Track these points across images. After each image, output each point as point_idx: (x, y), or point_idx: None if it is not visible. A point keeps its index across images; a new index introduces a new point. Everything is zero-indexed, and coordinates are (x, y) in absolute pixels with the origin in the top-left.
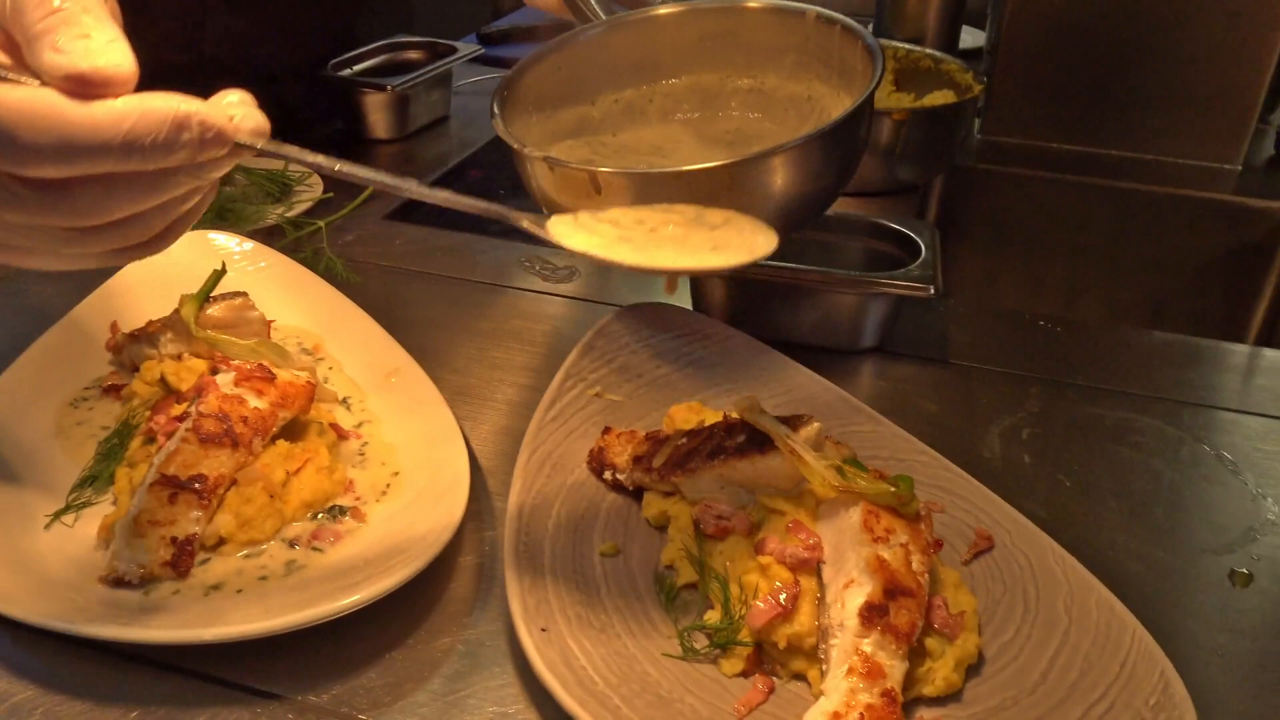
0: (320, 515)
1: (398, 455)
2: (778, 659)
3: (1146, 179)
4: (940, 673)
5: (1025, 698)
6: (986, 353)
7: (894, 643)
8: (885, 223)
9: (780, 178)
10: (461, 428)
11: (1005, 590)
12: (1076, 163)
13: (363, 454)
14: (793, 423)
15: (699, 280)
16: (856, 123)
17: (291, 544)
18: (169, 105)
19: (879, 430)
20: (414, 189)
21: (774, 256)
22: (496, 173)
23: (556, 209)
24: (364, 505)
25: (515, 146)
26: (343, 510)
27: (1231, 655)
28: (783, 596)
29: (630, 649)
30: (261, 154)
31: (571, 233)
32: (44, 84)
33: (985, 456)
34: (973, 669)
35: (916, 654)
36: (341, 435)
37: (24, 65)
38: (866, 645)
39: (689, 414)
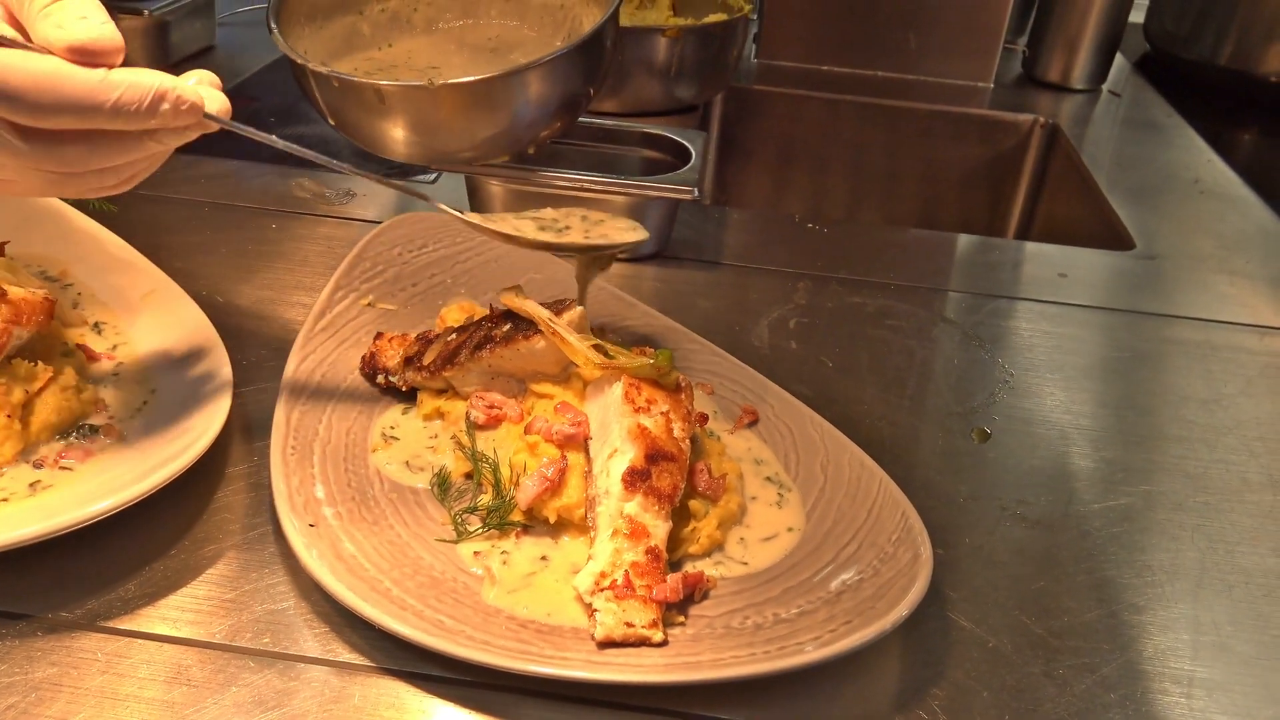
0: (70, 436)
1: (155, 374)
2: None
3: (913, 97)
4: (704, 531)
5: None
6: (760, 254)
7: (656, 504)
8: (657, 131)
9: (537, 87)
10: (229, 344)
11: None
12: (849, 84)
13: (117, 374)
14: (555, 307)
15: (475, 189)
16: (604, 34)
17: (36, 465)
18: (153, 79)
19: (651, 323)
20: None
21: (546, 163)
22: (266, 103)
23: (341, 121)
24: (118, 423)
25: (299, 61)
26: (94, 429)
27: (971, 499)
28: (550, 471)
29: (404, 538)
30: (224, 127)
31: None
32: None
33: (755, 345)
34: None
35: (682, 516)
36: (92, 357)
37: (29, 41)
38: (630, 508)
39: (460, 313)
